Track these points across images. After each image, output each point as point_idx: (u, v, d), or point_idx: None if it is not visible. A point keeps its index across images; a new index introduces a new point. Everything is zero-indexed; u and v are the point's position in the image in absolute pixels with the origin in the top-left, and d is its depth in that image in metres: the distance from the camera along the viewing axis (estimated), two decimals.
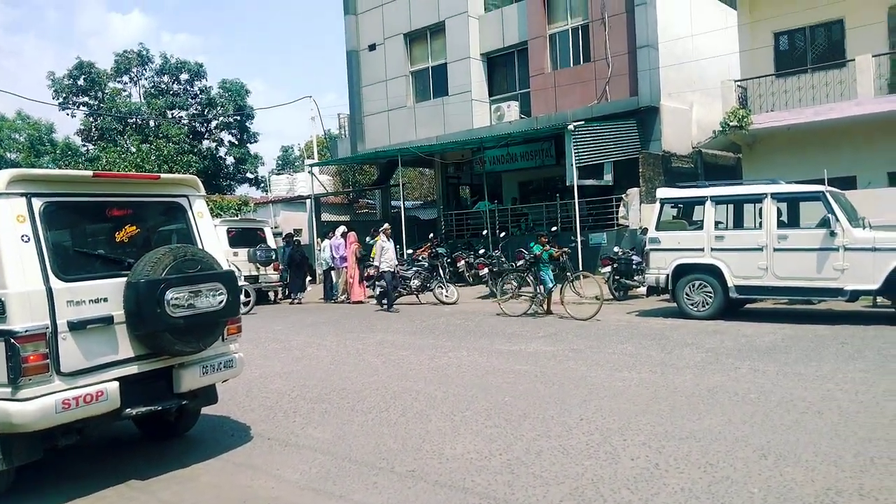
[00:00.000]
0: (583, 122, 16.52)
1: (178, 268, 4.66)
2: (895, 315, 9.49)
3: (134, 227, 4.94)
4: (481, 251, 17.40)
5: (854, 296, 9.85)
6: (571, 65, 19.00)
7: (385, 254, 14.27)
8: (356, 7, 23.45)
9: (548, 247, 12.32)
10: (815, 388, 6.07)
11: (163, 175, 5.31)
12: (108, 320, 4.47)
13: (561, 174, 16.97)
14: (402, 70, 22.48)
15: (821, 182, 11.63)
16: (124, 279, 4.57)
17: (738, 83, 16.26)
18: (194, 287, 4.72)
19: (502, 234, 18.45)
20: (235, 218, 22.11)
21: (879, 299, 10.37)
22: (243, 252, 17.44)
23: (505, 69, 21.13)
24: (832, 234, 9.85)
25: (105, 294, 4.50)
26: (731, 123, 15.45)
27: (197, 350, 4.91)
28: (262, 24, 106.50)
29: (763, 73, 16.33)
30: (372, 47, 23.17)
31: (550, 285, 12.02)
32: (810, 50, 16.17)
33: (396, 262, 14.82)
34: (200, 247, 5.18)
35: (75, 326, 4.29)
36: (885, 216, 11.73)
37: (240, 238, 17.83)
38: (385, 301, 14.44)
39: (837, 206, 10.00)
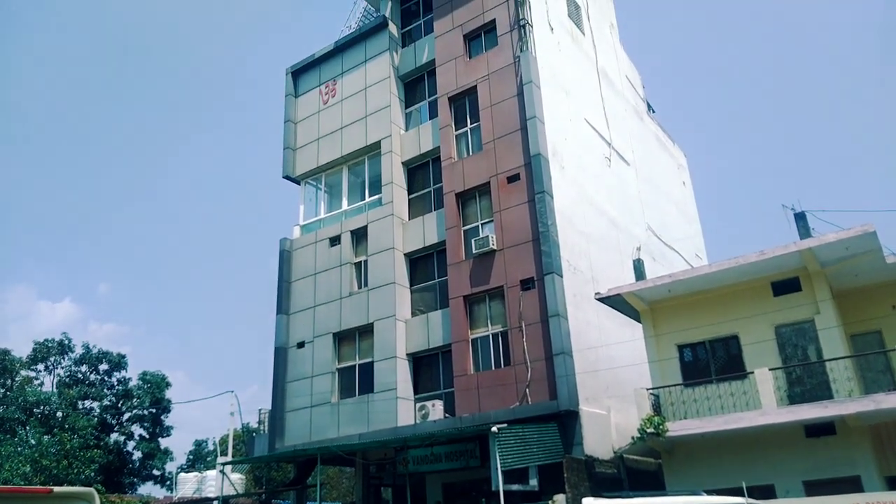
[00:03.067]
0: (506, 425, 16.61)
1: None
2: None
3: None
4: None
5: None
6: (493, 368, 19.71)
7: None
8: (289, 307, 24.41)
9: None
10: None
11: (55, 489, 4.94)
12: None
13: (486, 476, 16.53)
14: (328, 367, 22.74)
15: (741, 492, 11.72)
16: None
17: (651, 391, 17.06)
18: None
19: None
20: None
21: None
22: None
23: (430, 369, 21.67)
24: None
25: None
26: (648, 430, 15.86)
27: None
28: (190, 317, 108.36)
29: (672, 382, 17.29)
30: (301, 345, 23.63)
31: None
32: (713, 362, 17.41)
33: None
34: None
35: None
36: None
37: None
38: None
39: None
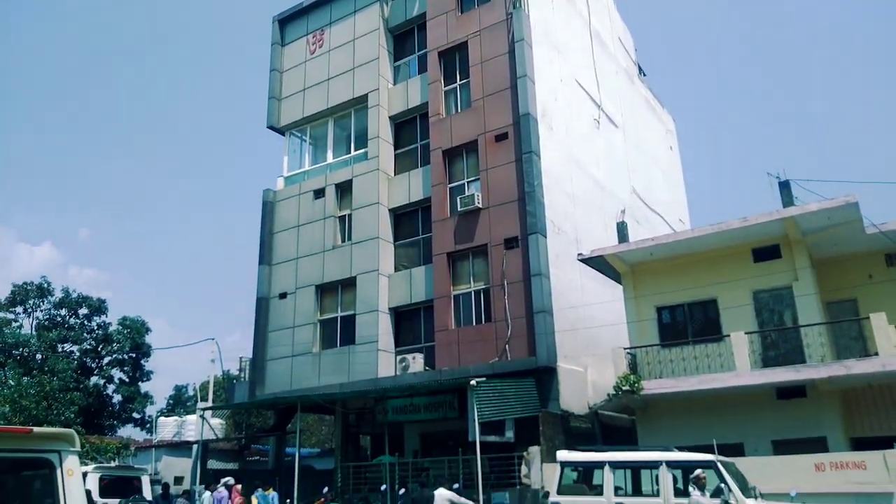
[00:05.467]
0: (485, 379, 16.87)
1: None
2: None
3: None
4: None
5: None
6: (474, 323, 19.91)
7: None
8: (271, 258, 24.35)
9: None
10: None
11: (35, 429, 4.95)
12: None
13: (464, 428, 16.86)
14: (310, 318, 22.83)
15: (711, 449, 12.06)
16: None
17: (628, 351, 17.36)
18: None
19: (402, 491, 17.57)
20: (111, 465, 20.29)
21: None
22: (114, 503, 15.84)
23: (411, 323, 21.83)
24: (726, 503, 10.00)
25: None
26: (623, 388, 16.19)
27: None
28: (173, 264, 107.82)
29: (649, 342, 17.59)
30: (283, 296, 23.66)
31: None
32: (690, 324, 17.70)
33: None
34: None
35: None
36: (772, 484, 12.11)
37: (113, 487, 16.27)
38: None
39: (729, 475, 10.33)
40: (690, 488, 9.98)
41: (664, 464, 10.84)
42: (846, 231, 16.32)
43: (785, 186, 17.11)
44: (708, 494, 10.25)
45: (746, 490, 10.50)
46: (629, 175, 26.48)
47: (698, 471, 10.26)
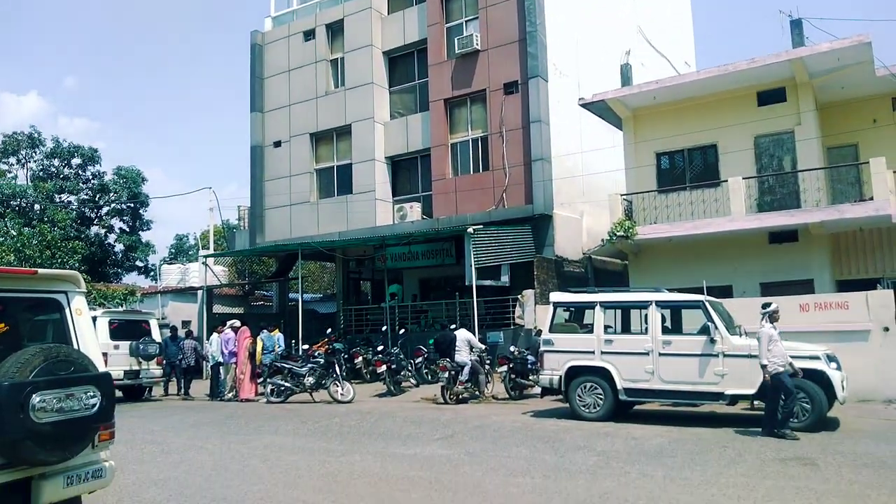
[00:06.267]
0: (482, 227, 17.09)
1: (49, 369, 4.34)
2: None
3: (2, 325, 4.61)
4: (380, 347, 17.24)
5: (733, 400, 10.39)
6: (471, 172, 19.82)
7: (774, 344, 9.66)
8: (263, 105, 23.73)
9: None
10: (700, 494, 6.25)
11: (40, 270, 5.01)
12: None
13: (461, 273, 17.33)
14: (306, 167, 22.67)
15: (701, 291, 12.43)
16: None
17: (624, 197, 17.41)
18: (66, 390, 4.38)
19: (402, 331, 18.39)
20: (119, 309, 20.98)
21: (756, 402, 10.99)
22: (125, 345, 16.53)
23: (408, 172, 21.74)
24: (712, 340, 10.46)
25: None
26: (618, 233, 16.40)
27: (63, 459, 4.50)
28: (165, 113, 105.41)
29: (646, 188, 17.60)
30: (277, 144, 23.34)
31: None
32: (689, 170, 17.64)
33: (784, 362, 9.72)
34: (76, 346, 4.87)
35: None
36: (758, 323, 12.61)
37: (123, 330, 16.91)
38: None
39: (716, 314, 10.67)
40: (763, 322, 10.10)
41: (653, 303, 11.17)
42: (855, 73, 15.79)
43: (797, 25, 16.37)
44: (777, 330, 9.80)
45: (732, 328, 10.91)
46: (635, 12, 25.18)
47: (774, 305, 10.18)
